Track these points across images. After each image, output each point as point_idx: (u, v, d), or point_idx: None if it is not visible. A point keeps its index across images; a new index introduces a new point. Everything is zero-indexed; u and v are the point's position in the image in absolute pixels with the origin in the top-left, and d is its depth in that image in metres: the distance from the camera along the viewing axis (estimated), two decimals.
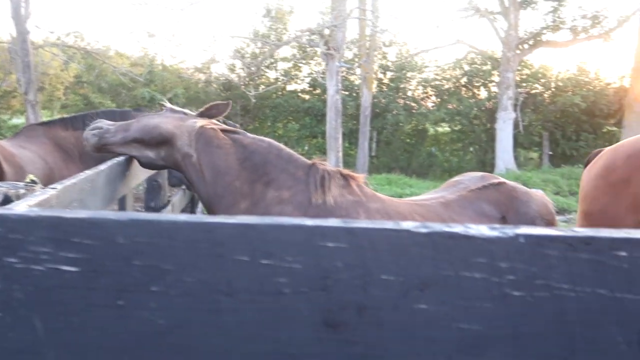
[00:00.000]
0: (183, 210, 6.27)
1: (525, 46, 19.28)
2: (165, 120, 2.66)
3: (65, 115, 5.66)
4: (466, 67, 21.84)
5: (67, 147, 5.29)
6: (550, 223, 2.83)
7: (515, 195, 2.75)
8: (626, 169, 3.28)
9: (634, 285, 0.63)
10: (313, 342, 0.63)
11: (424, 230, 0.62)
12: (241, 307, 0.61)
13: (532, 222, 2.67)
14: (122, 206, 3.05)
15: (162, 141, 2.60)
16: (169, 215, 0.62)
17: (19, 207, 0.59)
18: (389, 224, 0.62)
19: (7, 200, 1.60)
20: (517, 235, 0.62)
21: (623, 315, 0.63)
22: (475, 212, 2.60)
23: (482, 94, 21.92)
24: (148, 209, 4.51)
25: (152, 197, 4.44)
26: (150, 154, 2.64)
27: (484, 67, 21.37)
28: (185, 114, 2.76)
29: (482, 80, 21.56)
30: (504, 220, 2.65)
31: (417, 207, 2.54)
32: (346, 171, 2.56)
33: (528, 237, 0.63)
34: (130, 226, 0.60)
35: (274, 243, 0.61)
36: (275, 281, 0.62)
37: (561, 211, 12.43)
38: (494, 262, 0.62)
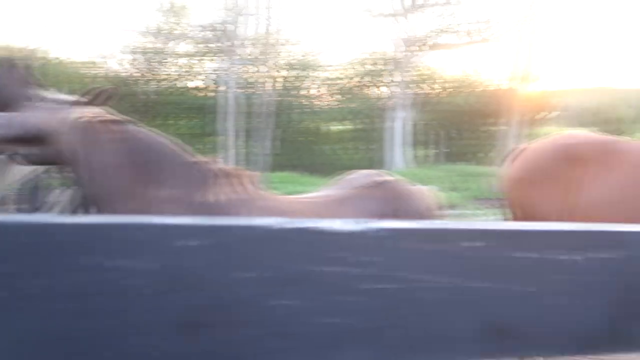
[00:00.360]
0: (75, 210, 5.94)
1: (418, 48, 20.10)
2: (48, 114, 2.50)
3: None
4: (365, 67, 22.41)
5: None
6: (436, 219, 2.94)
7: (400, 192, 2.84)
8: (545, 166, 3.48)
9: (481, 273, 0.67)
10: (173, 345, 0.61)
11: (283, 226, 0.62)
12: (93, 313, 0.58)
13: (418, 219, 2.76)
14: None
15: (46, 137, 2.45)
16: (11, 216, 0.58)
17: None
18: (247, 221, 0.61)
19: None
20: (374, 229, 0.64)
21: (467, 302, 0.66)
22: (358, 210, 2.65)
23: (380, 93, 22.61)
24: (31, 210, 4.24)
25: (34, 198, 4.18)
26: (36, 151, 2.48)
27: (381, 67, 22.02)
28: (70, 104, 2.60)
29: (380, 80, 22.21)
30: (388, 217, 2.73)
31: (304, 205, 2.56)
32: (236, 169, 2.53)
33: (384, 230, 0.64)
34: None
35: (126, 243, 0.59)
36: (130, 284, 0.59)
37: (454, 206, 13.07)
38: (352, 256, 0.63)
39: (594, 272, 0.72)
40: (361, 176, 2.98)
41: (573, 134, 3.80)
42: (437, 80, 22.55)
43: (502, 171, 3.84)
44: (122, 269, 0.58)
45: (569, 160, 3.39)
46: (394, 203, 2.76)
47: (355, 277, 0.64)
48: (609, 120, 25.33)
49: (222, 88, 18.30)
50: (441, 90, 22.56)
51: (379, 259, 0.65)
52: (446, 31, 20.26)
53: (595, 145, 3.42)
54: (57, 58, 20.36)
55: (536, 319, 0.71)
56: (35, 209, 4.24)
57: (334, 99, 22.63)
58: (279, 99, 20.40)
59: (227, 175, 2.46)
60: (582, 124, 23.79)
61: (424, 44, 20.06)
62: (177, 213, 2.28)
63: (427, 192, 3.17)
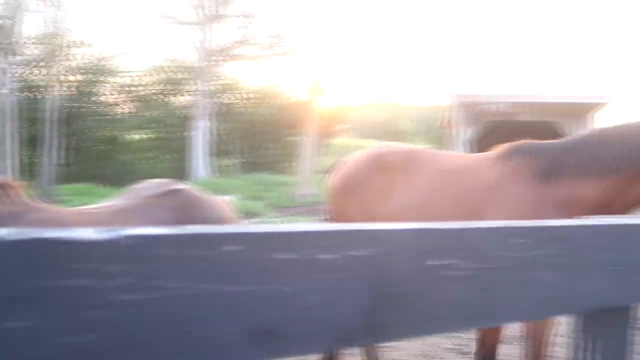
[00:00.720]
0: None
1: (219, 58, 20.14)
2: None
3: None
4: (167, 74, 21.80)
5: None
6: None
7: (192, 201, 2.81)
8: (360, 176, 3.69)
9: (243, 277, 0.67)
10: None
11: (16, 237, 0.55)
12: None
13: None
14: None
15: None
16: None
17: None
18: None
19: None
20: (125, 237, 0.60)
21: (232, 307, 0.65)
22: (148, 219, 2.59)
23: (178, 102, 22.16)
24: None
25: None
26: None
27: (181, 76, 21.62)
28: None
29: (179, 89, 21.78)
30: (180, 225, 2.67)
31: (85, 216, 2.40)
32: (4, 179, 2.27)
33: (136, 237, 0.60)
34: None
35: None
36: None
37: (255, 214, 13.26)
38: (101, 266, 0.58)
39: (351, 269, 0.76)
40: (153, 185, 2.89)
41: (384, 145, 4.12)
42: (239, 91, 22.82)
43: (325, 183, 4.06)
44: None
45: (380, 170, 3.67)
46: (186, 211, 2.71)
47: (105, 289, 0.59)
48: (393, 133, 27.95)
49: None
50: (244, 100, 22.87)
51: (129, 268, 0.61)
52: (247, 43, 20.62)
53: (402, 155, 3.74)
54: None
55: (299, 318, 0.73)
56: None
57: (132, 106, 21.65)
58: (70, 104, 18.91)
59: None
60: (371, 136, 25.88)
61: (225, 54, 20.17)
62: None
63: (222, 201, 3.17)
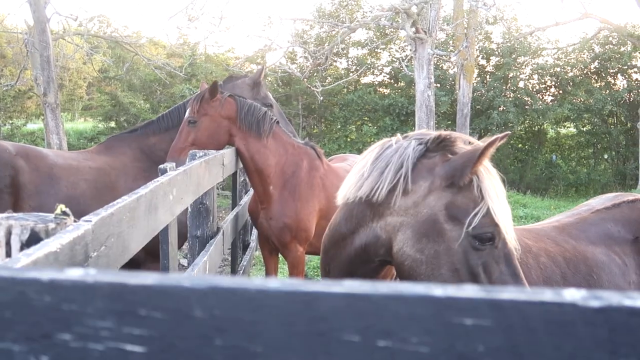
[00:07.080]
0: (234, 241, 6.37)
1: None
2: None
3: (156, 117, 5.97)
4: (597, 49, 21.24)
5: (157, 154, 5.40)
6: None
7: None
8: None
9: None
10: None
11: (595, 303, 0.59)
12: None
13: None
14: (164, 239, 3.12)
15: None
16: (256, 280, 0.62)
17: (73, 272, 0.60)
18: (547, 295, 0.60)
19: (35, 236, 1.66)
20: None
21: None
22: (598, 235, 2.67)
23: (620, 83, 21.24)
24: (193, 238, 4.61)
25: (199, 224, 4.54)
26: None
27: (622, 48, 20.70)
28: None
29: (620, 66, 20.88)
30: (637, 241, 2.70)
31: (526, 232, 2.63)
32: None
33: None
34: (209, 295, 0.60)
35: (392, 319, 0.60)
36: None
37: None
38: None
39: None
40: (604, 198, 3.11)
41: None
42: None
43: None
44: (388, 350, 0.60)
45: None
46: None
47: None
48: None
49: (407, 83, 18.47)
50: None
51: None
52: None
53: None
54: (205, 53, 22.23)
55: None
56: (196, 238, 4.61)
57: (556, 92, 21.74)
58: (483, 94, 20.09)
59: None
60: None
61: None
62: None
63: None
